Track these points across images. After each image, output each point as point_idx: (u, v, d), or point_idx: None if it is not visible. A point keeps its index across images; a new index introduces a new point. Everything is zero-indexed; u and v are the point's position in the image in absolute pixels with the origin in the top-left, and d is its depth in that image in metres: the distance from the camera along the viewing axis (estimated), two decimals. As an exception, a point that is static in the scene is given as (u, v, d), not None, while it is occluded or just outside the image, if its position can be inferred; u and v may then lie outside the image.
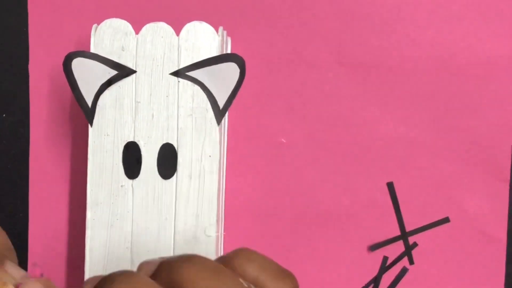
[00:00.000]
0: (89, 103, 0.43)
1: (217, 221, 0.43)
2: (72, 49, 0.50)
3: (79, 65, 0.42)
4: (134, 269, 0.42)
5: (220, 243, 0.45)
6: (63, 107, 0.51)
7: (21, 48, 0.51)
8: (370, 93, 0.49)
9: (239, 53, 0.48)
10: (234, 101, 0.43)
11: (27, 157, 0.51)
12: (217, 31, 0.43)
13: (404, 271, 0.49)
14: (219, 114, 0.42)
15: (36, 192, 0.51)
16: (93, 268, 0.43)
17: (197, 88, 0.42)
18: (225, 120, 0.47)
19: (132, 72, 0.42)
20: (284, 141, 0.50)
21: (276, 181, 0.50)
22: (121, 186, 0.43)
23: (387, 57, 0.49)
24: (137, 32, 0.43)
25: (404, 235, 0.49)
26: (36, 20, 0.51)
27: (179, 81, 0.42)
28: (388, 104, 0.49)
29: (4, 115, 0.51)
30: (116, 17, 0.43)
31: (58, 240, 0.51)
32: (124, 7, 0.50)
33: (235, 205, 0.49)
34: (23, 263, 0.51)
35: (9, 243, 0.36)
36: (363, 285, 0.50)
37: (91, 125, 0.43)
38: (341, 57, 0.49)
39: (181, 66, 0.42)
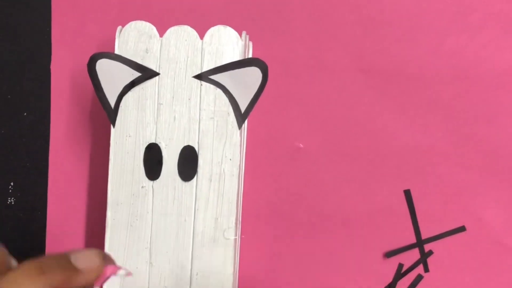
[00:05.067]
0: (112, 104, 0.43)
1: (236, 224, 0.43)
2: (94, 50, 0.50)
3: (103, 66, 0.42)
4: (152, 270, 0.42)
5: (238, 246, 0.46)
6: (83, 107, 0.51)
7: (44, 48, 0.51)
8: (389, 101, 0.50)
9: (260, 57, 0.48)
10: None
11: (46, 156, 0.51)
12: (240, 35, 0.43)
13: (419, 278, 0.49)
14: (240, 118, 0.43)
15: (55, 190, 0.51)
16: None
17: (219, 91, 0.43)
18: (245, 123, 0.48)
19: (156, 74, 0.43)
20: (302, 146, 0.50)
21: (293, 185, 0.50)
22: (142, 187, 0.43)
23: (407, 65, 0.49)
24: (161, 35, 0.43)
25: (420, 243, 0.49)
26: (59, 21, 0.51)
27: (201, 84, 0.43)
28: (407, 112, 0.49)
29: (25, 114, 0.52)
30: (139, 19, 0.44)
31: (76, 238, 0.51)
32: (148, 10, 0.50)
33: (252, 208, 0.50)
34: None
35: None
36: (378, 291, 0.50)
37: (114, 126, 0.43)
38: (361, 64, 0.50)
39: (204, 70, 0.43)
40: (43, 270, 0.33)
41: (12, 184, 0.52)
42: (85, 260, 0.34)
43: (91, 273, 0.34)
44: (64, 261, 0.34)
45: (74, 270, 0.34)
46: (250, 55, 0.48)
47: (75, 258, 0.34)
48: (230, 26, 0.43)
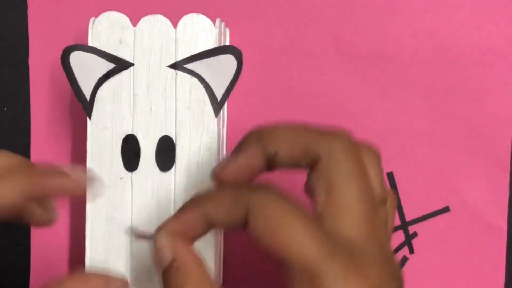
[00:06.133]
0: (88, 97, 0.43)
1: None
2: (71, 42, 0.50)
3: (77, 59, 0.42)
4: (133, 261, 0.42)
5: (221, 235, 0.46)
6: (63, 100, 0.51)
7: (21, 41, 0.51)
8: (369, 83, 0.49)
9: (238, 44, 0.48)
10: (233, 93, 0.43)
11: (28, 150, 0.51)
12: (214, 23, 0.43)
13: (404, 260, 0.49)
14: (217, 106, 0.42)
15: (38, 185, 0.51)
16: (93, 260, 0.43)
17: (194, 80, 0.42)
18: (224, 111, 0.47)
19: (130, 65, 0.43)
20: (284, 132, 0.50)
21: (275, 172, 0.50)
22: (120, 178, 0.43)
23: (386, 47, 0.49)
24: (134, 25, 0.43)
25: (404, 225, 0.49)
26: (35, 13, 0.51)
27: (176, 74, 0.42)
28: (387, 94, 0.49)
29: (5, 109, 0.51)
30: (114, 10, 0.43)
31: (60, 232, 0.51)
32: (122, 0, 0.50)
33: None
34: (25, 254, 0.51)
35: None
36: (364, 274, 0.50)
37: (90, 118, 0.43)
38: (339, 48, 0.49)
39: (179, 59, 0.42)
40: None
41: (-6, 179, 0.51)
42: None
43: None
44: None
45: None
46: (227, 42, 0.48)
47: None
48: (205, 13, 0.43)
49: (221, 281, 0.46)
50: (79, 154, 0.51)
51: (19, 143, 0.51)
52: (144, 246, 0.43)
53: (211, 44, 0.42)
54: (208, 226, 0.32)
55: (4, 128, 0.51)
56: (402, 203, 0.49)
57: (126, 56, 0.43)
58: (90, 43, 0.43)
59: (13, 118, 0.51)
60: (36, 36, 0.51)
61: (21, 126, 0.51)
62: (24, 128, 0.51)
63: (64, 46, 0.43)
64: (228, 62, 0.42)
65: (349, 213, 0.30)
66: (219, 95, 0.42)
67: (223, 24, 0.46)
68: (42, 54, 0.51)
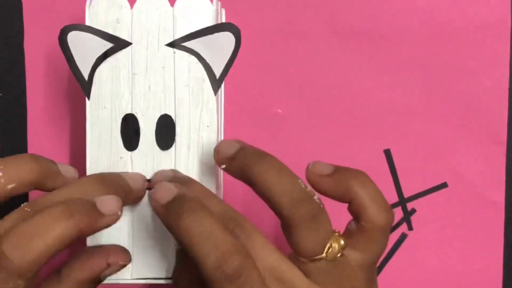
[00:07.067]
0: (86, 77, 0.43)
1: (217, 190, 0.43)
2: (67, 24, 0.50)
3: (74, 39, 0.42)
4: (134, 241, 0.42)
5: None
6: (60, 82, 0.51)
7: (16, 25, 0.51)
8: (364, 61, 0.49)
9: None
10: (230, 73, 0.43)
11: (25, 135, 0.51)
12: (211, 1, 0.43)
13: (403, 236, 0.50)
14: (215, 84, 0.43)
15: (35, 170, 0.51)
16: (94, 240, 0.43)
17: (193, 58, 0.42)
18: (222, 91, 0.48)
19: (128, 44, 0.42)
20: (280, 111, 0.50)
21: (273, 151, 0.50)
22: (120, 158, 0.43)
23: (381, 25, 0.49)
24: (131, 4, 0.43)
25: (402, 202, 0.50)
26: (29, -3, 0.51)
27: (174, 52, 0.42)
28: (383, 72, 0.49)
29: (0, 94, 0.51)
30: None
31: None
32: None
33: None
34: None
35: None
36: (363, 252, 0.50)
37: (89, 99, 0.43)
38: (334, 26, 0.49)
39: (177, 37, 0.42)
40: (105, 181, 0.39)
41: (-9, 165, 0.51)
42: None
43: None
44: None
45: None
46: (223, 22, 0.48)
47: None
48: (201, -8, 0.43)
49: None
50: (77, 137, 0.50)
51: (16, 128, 0.51)
52: (144, 227, 0.43)
53: (209, 22, 0.42)
54: None
55: (0, 114, 0.51)
56: (400, 180, 0.50)
57: (124, 35, 0.42)
58: (87, 23, 0.43)
59: (9, 103, 0.51)
60: (31, 19, 0.51)
61: (17, 111, 0.51)
62: (21, 113, 0.51)
63: (59, 29, 0.43)
64: (226, 40, 0.42)
65: None
66: (217, 72, 0.42)
67: (219, 4, 0.46)
68: (37, 37, 0.51)
